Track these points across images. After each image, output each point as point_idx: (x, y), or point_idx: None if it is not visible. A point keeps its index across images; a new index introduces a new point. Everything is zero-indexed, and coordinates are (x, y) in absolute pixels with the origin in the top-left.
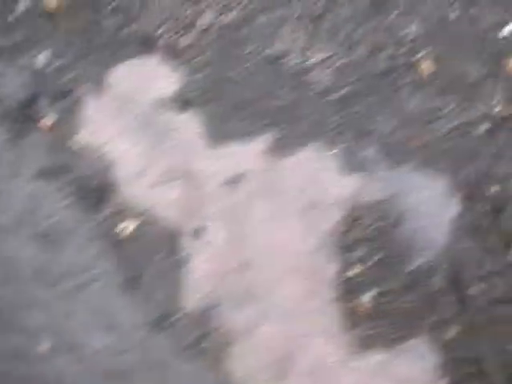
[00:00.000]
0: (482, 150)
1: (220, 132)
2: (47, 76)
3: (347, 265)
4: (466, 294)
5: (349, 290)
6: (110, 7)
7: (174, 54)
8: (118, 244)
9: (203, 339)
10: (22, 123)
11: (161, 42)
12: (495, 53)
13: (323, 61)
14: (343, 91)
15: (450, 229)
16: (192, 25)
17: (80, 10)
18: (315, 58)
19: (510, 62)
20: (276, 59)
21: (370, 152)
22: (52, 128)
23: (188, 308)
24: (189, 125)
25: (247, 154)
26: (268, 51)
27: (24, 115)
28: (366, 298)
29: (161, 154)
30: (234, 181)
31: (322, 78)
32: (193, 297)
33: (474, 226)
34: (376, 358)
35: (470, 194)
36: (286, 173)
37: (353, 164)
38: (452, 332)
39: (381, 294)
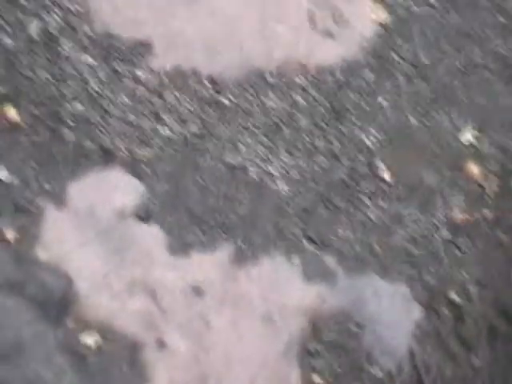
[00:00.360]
0: (443, 256)
1: (181, 243)
2: (10, 189)
3: (310, 372)
4: None
5: None
6: (71, 120)
7: (134, 165)
8: (81, 357)
9: None
10: None
11: (122, 154)
12: (453, 159)
13: (282, 170)
14: (302, 201)
15: (412, 334)
16: (152, 137)
17: (41, 123)
18: (274, 167)
19: (468, 167)
20: (235, 170)
21: (330, 261)
22: (14, 241)
23: None
24: (150, 236)
25: (208, 264)
26: (228, 162)
27: None
28: None
29: (122, 265)
30: (195, 291)
31: (282, 187)
32: None
33: (436, 331)
34: None
35: (431, 300)
36: (247, 282)
37: (313, 273)
38: None
39: None
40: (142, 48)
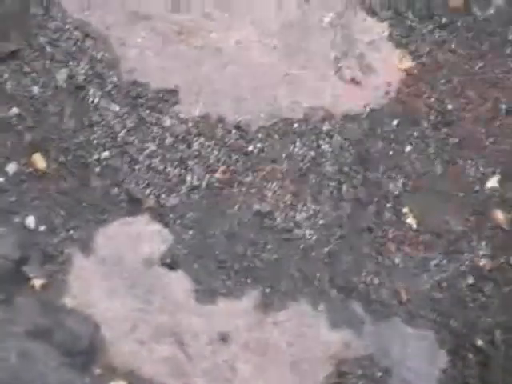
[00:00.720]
0: (469, 302)
1: (208, 290)
2: (38, 236)
3: None
4: None
5: None
6: (98, 168)
7: (161, 212)
8: None
9: None
10: (14, 283)
11: (149, 202)
12: (479, 206)
13: (308, 218)
14: (328, 247)
15: (437, 379)
16: (179, 184)
17: (68, 170)
18: (300, 215)
19: (493, 213)
20: (262, 217)
21: (356, 307)
22: (42, 288)
23: None
24: (177, 283)
25: (234, 311)
26: (254, 208)
27: (17, 275)
28: None
29: (149, 312)
30: (222, 338)
31: (308, 234)
32: None
33: (461, 376)
34: None
35: (457, 345)
36: (273, 329)
37: (339, 319)
38: None
39: None
40: (169, 96)
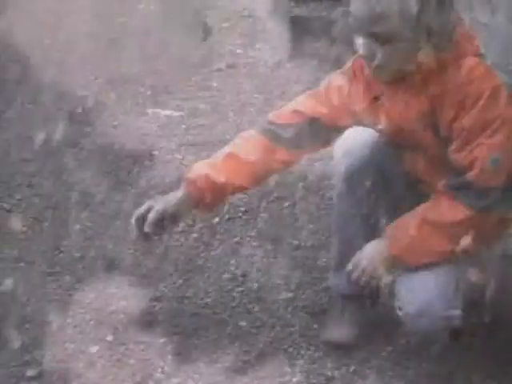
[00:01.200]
0: (443, 358)
1: (185, 349)
2: (15, 298)
3: None
4: None
5: None
6: (75, 229)
7: (138, 272)
8: None
9: None
10: None
11: (125, 262)
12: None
13: (283, 279)
14: (304, 306)
15: None
16: (156, 244)
17: (46, 232)
18: (275, 277)
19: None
20: (236, 281)
21: (331, 366)
22: (21, 351)
23: None
24: (153, 342)
25: (212, 371)
26: (228, 274)
27: None
28: None
29: (126, 374)
30: None
31: (283, 295)
32: None
33: None
34: None
35: None
36: None
37: (315, 377)
38: None
39: None
40: (145, 158)
